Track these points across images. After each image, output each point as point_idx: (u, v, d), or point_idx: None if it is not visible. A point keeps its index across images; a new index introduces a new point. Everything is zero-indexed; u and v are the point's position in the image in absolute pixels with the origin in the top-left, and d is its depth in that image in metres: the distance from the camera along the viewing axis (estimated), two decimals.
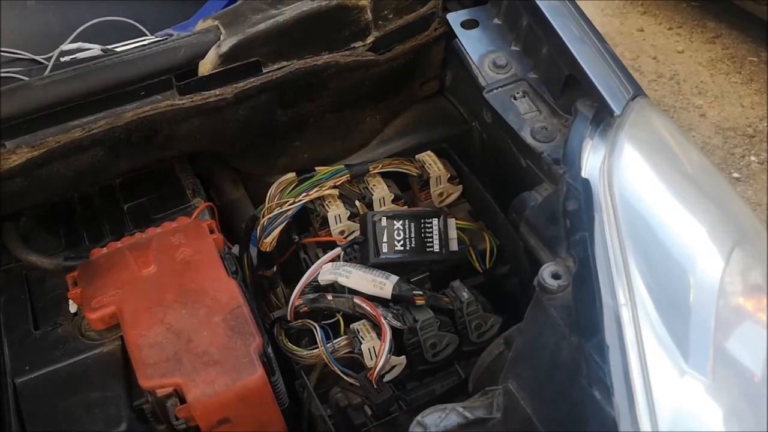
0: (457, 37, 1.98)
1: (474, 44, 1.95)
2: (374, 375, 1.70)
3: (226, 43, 1.79)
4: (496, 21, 1.98)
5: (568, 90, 1.77)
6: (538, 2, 1.80)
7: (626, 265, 1.39)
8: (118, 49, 1.94)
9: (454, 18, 2.01)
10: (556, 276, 1.44)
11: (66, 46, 1.91)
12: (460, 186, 2.09)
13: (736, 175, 4.10)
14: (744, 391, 1.31)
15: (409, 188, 2.10)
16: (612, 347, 1.31)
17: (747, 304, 1.41)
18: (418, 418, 1.44)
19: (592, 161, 1.56)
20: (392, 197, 1.99)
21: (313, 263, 1.88)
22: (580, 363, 1.33)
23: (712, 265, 1.41)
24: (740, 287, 1.42)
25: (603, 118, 1.63)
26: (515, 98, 1.82)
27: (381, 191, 1.98)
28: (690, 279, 1.40)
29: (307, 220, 2.02)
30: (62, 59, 1.93)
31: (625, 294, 1.36)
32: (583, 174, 1.54)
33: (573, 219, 1.51)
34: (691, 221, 1.49)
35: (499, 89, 1.85)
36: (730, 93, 4.59)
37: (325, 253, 1.90)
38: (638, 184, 1.53)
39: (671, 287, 1.40)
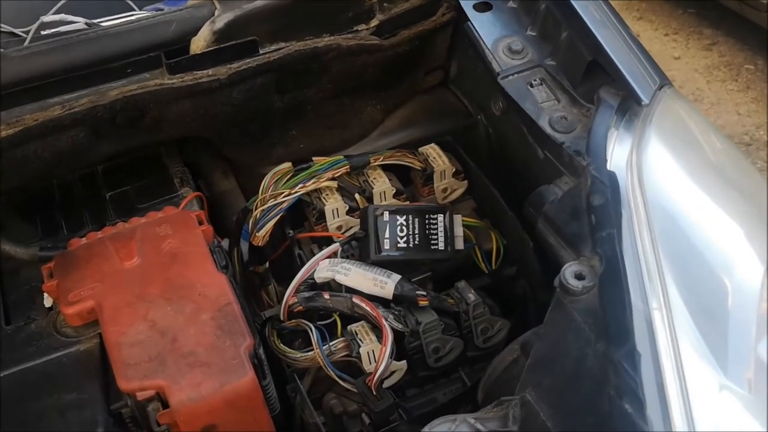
0: (469, 19, 1.89)
1: (487, 28, 1.86)
2: (374, 381, 1.60)
3: (221, 19, 1.70)
4: (511, 4, 1.90)
5: (589, 77, 1.69)
6: None
7: (659, 267, 1.29)
8: (103, 24, 1.83)
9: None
10: (579, 276, 1.34)
11: (47, 18, 1.80)
12: (466, 182, 2.00)
13: None
14: None
15: (410, 183, 2.01)
16: (644, 355, 1.21)
17: None
18: (426, 429, 1.35)
19: (618, 153, 1.48)
20: (393, 191, 1.90)
21: (308, 260, 1.78)
22: (608, 372, 1.23)
23: (751, 270, 1.33)
24: None
25: (629, 108, 1.55)
26: (532, 86, 1.74)
27: (382, 185, 1.89)
28: (727, 284, 1.31)
29: (302, 214, 1.92)
30: (42, 32, 1.82)
31: (658, 297, 1.27)
32: (609, 166, 1.46)
33: (599, 215, 1.42)
34: (727, 221, 1.41)
35: (515, 75, 1.77)
36: (726, 100, 4.54)
37: (320, 249, 1.82)
38: (670, 180, 1.45)
39: (707, 292, 1.32)
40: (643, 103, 1.52)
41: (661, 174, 1.44)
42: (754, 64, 4.73)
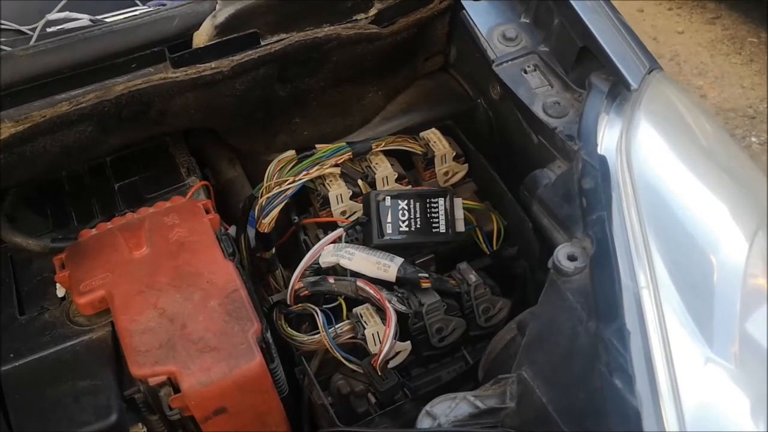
0: (464, 8, 1.91)
1: (482, 16, 1.89)
2: (379, 361, 1.63)
3: (223, 13, 1.71)
4: None
5: (581, 63, 1.71)
6: None
7: (647, 246, 1.32)
8: (107, 20, 1.86)
9: None
10: (572, 258, 1.38)
11: (52, 16, 1.83)
12: (466, 165, 2.03)
13: None
14: None
15: (412, 167, 2.03)
16: (633, 332, 1.25)
17: None
18: (427, 407, 1.38)
19: (608, 137, 1.50)
20: (396, 176, 1.93)
21: (313, 245, 1.81)
22: (599, 349, 1.27)
23: (736, 246, 1.36)
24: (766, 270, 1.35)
25: (619, 92, 1.57)
26: (526, 72, 1.77)
27: (384, 170, 1.92)
28: (713, 261, 1.35)
29: (307, 200, 1.95)
30: (48, 29, 1.84)
31: (646, 276, 1.30)
32: (599, 150, 1.49)
33: (589, 198, 1.45)
34: (713, 201, 1.44)
35: (509, 62, 1.79)
36: (730, 74, 4.53)
37: (325, 234, 1.84)
38: (658, 163, 1.48)
39: (693, 269, 1.35)
40: (632, 88, 1.55)
41: (649, 157, 1.46)
42: (757, 37, 4.71)
